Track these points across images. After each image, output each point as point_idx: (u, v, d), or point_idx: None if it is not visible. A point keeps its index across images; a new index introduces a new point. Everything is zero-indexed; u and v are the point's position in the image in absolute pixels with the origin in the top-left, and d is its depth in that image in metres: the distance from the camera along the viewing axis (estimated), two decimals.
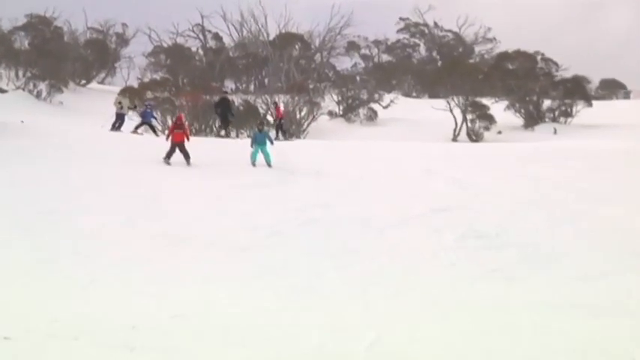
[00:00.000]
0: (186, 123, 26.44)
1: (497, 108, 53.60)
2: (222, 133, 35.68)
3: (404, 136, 29.92)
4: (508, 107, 55.15)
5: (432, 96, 72.79)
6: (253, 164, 25.20)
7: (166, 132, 26.38)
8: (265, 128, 26.51)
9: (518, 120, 54.83)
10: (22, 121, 31.64)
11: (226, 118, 35.65)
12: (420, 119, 53.98)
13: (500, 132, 51.70)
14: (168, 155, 24.70)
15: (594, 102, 56.86)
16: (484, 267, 16.47)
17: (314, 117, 54.07)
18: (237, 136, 48.40)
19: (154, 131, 34.62)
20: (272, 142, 25.88)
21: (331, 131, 49.08)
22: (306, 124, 52.54)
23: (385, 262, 16.80)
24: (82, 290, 13.80)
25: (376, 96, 65.21)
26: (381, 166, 25.93)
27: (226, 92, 38.32)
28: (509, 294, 14.86)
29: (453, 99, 52.86)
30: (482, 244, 18.01)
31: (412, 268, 16.48)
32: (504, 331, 12.26)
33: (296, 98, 53.44)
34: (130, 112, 36.18)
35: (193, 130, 46.20)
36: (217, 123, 36.90)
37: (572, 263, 16.65)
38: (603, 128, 46.27)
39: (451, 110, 51.98)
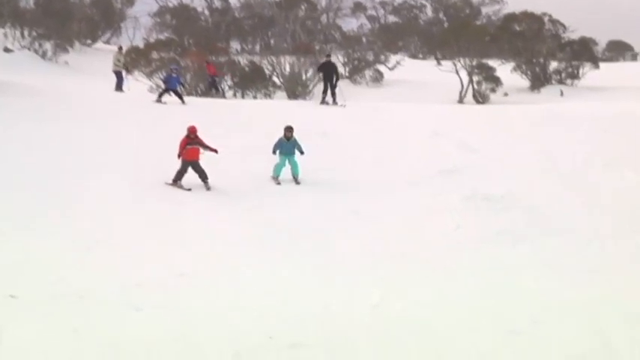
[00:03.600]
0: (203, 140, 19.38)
1: (504, 70, 53.23)
2: (325, 100, 30.68)
3: (410, 98, 29.75)
4: (514, 69, 54.77)
5: (439, 57, 72.46)
6: (276, 179, 19.81)
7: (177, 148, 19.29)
8: (294, 136, 20.07)
9: (525, 82, 54.47)
10: None
11: (329, 83, 31.03)
12: (426, 81, 53.70)
13: (506, 94, 51.38)
14: (178, 177, 18.88)
15: (601, 64, 56.52)
16: (490, 229, 16.46)
17: (320, 78, 53.81)
18: (243, 97, 48.26)
19: (181, 99, 29.30)
20: (302, 152, 20.05)
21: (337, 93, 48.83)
22: (311, 85, 52.22)
23: (391, 223, 16.79)
24: (88, 251, 13.80)
25: (382, 57, 64.77)
26: (388, 127, 25.80)
27: (329, 55, 34.35)
28: (515, 256, 14.87)
29: (459, 60, 52.57)
30: (488, 207, 17.99)
31: (418, 230, 16.48)
32: (510, 293, 12.28)
33: (302, 59, 53.11)
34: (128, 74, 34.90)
35: (199, 91, 46.00)
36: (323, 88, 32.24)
37: (579, 226, 16.62)
38: (610, 90, 45.97)
39: (457, 72, 51.68)
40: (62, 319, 9.89)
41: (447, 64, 56.06)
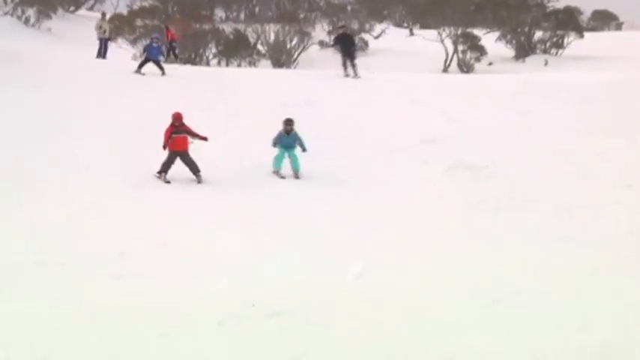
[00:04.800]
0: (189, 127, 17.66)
1: (489, 39, 53.17)
2: (347, 72, 28.87)
3: (394, 67, 29.66)
4: (499, 38, 54.71)
5: (424, 27, 72.20)
6: (277, 173, 18.26)
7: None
8: (295, 130, 18.66)
9: (510, 51, 54.44)
10: None
11: (348, 55, 29.61)
12: (410, 50, 53.61)
13: (491, 63, 51.35)
14: (164, 168, 17.15)
15: (586, 33, 56.52)
16: (472, 199, 16.52)
17: (304, 47, 53.62)
18: (228, 65, 48.05)
19: (162, 69, 27.86)
20: (304, 148, 18.54)
21: (321, 61, 48.59)
22: (296, 54, 52.07)
23: (373, 192, 16.81)
24: (68, 220, 13.77)
25: (367, 26, 64.59)
26: (370, 96, 25.76)
27: (344, 26, 33.11)
28: (497, 226, 14.95)
29: (444, 30, 52.48)
30: (470, 176, 18.03)
31: (400, 199, 16.51)
32: (491, 263, 12.35)
33: (286, 28, 52.91)
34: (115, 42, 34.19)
35: (183, 59, 45.73)
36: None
37: (561, 195, 16.71)
38: (594, 60, 46.01)
39: (442, 41, 51.60)
40: (43, 287, 9.90)
41: (424, 33, 56.13)
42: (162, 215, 14.56)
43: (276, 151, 18.52)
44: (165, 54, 30.72)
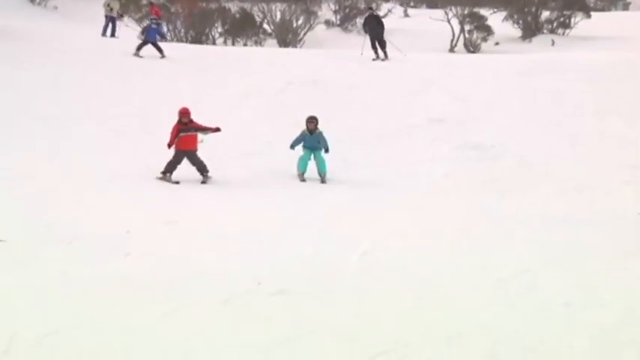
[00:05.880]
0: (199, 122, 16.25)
1: (495, 19, 52.96)
2: (378, 56, 28.53)
3: (401, 46, 29.57)
4: (506, 18, 54.46)
5: (430, 6, 71.91)
6: (301, 177, 16.78)
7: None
8: (319, 129, 17.02)
9: (516, 31, 54.18)
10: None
11: (377, 38, 28.90)
12: (417, 29, 53.43)
13: (497, 43, 51.12)
14: (169, 169, 15.93)
15: (593, 13, 56.27)
16: (479, 178, 16.54)
17: (311, 26, 53.44)
18: (234, 44, 47.91)
19: (160, 52, 27.16)
20: (327, 150, 16.99)
21: (328, 41, 48.52)
22: (302, 33, 51.90)
23: (381, 172, 16.82)
24: (77, 197, 13.83)
25: (374, 5, 64.53)
26: (378, 76, 25.72)
27: (371, 8, 32.20)
28: (503, 205, 14.95)
29: (451, 9, 52.29)
30: (477, 156, 18.04)
31: (408, 178, 16.53)
32: (497, 243, 12.33)
33: (293, 7, 52.72)
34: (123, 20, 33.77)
35: (189, 38, 45.57)
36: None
37: (568, 176, 16.71)
38: (601, 40, 45.80)
39: (449, 21, 51.42)
40: (50, 263, 9.92)
41: (425, 12, 55.99)
42: (170, 194, 14.58)
43: (299, 151, 17.04)
44: (163, 35, 29.76)
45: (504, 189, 15.95)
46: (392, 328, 8.32)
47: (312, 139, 16.86)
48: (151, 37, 27.56)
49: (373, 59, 28.53)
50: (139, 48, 27.33)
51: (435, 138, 19.20)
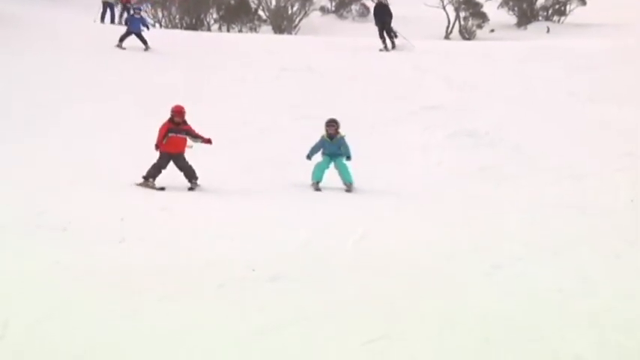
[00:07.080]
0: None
1: (491, 6, 52.91)
2: (386, 46, 27.95)
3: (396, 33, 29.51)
4: (501, 5, 54.48)
5: None
6: (315, 186, 15.04)
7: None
8: (341, 133, 15.35)
9: (512, 18, 54.21)
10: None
11: (385, 28, 28.21)
12: (412, 16, 53.37)
13: (492, 30, 51.17)
14: (152, 173, 14.33)
15: (588, 0, 56.35)
16: (474, 165, 16.54)
17: (305, 13, 53.39)
18: (229, 30, 47.81)
19: (145, 43, 26.17)
20: (350, 157, 15.25)
21: (323, 27, 48.42)
22: (297, 19, 51.84)
23: (375, 159, 16.79)
24: (69, 184, 13.81)
25: None
26: (372, 63, 25.68)
27: None
28: (498, 192, 14.96)
29: None
30: (472, 143, 18.04)
31: (402, 165, 16.53)
32: (491, 230, 12.35)
33: None
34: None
35: (184, 24, 45.46)
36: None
37: (562, 163, 16.72)
38: (597, 27, 45.80)
39: (444, 7, 51.41)
40: (44, 250, 9.91)
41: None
42: (162, 178, 14.54)
43: (317, 158, 15.39)
44: (147, 25, 27.97)
45: (499, 175, 15.95)
46: (386, 314, 8.33)
47: (332, 146, 15.19)
48: (134, 27, 26.55)
49: (380, 50, 28.07)
50: (122, 39, 26.34)
51: (430, 125, 19.17)
